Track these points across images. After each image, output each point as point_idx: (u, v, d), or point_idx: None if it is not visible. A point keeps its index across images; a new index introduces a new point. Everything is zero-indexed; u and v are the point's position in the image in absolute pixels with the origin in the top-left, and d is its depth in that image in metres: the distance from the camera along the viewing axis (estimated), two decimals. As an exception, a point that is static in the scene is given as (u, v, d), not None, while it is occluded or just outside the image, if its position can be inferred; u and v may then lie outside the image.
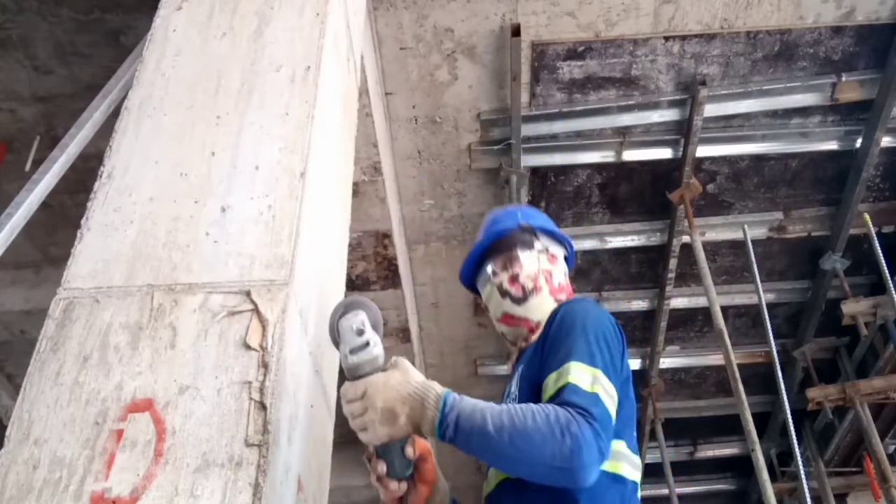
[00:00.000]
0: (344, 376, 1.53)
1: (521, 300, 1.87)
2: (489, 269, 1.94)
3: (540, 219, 2.04)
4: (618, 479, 1.57)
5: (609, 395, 1.50)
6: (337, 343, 1.54)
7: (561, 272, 1.95)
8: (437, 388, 1.48)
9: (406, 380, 1.47)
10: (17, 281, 5.07)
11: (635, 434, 1.69)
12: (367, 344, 1.47)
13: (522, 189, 4.86)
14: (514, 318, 1.88)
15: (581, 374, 1.51)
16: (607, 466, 1.54)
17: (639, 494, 1.64)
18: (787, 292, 5.82)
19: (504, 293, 1.89)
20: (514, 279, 1.89)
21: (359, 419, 1.45)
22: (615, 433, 1.56)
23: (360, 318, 1.51)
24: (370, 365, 1.47)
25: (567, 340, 1.60)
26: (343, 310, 1.56)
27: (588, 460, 1.38)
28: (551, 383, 1.53)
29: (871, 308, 5.32)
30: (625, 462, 1.60)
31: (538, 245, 1.95)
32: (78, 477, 1.46)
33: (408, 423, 1.45)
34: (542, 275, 1.90)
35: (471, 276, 2.04)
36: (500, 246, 1.95)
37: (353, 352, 1.48)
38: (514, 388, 1.79)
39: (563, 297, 1.91)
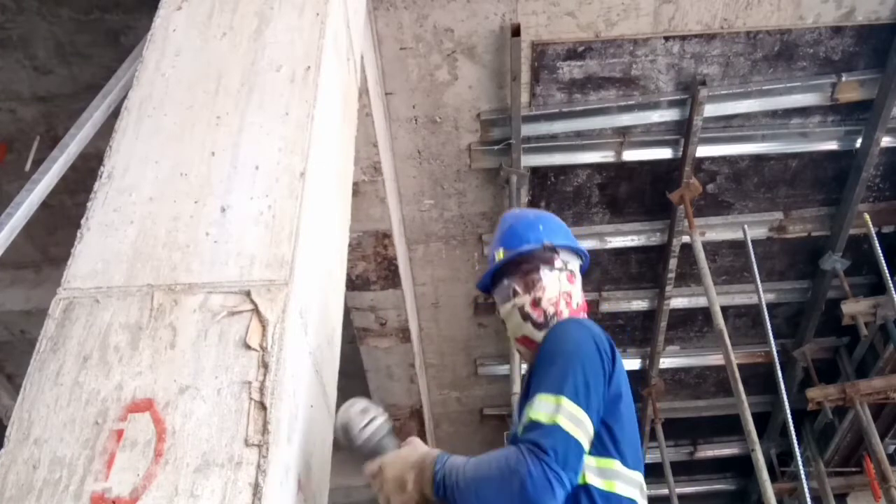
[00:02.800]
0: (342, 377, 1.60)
1: (542, 325, 1.88)
2: (511, 286, 1.94)
3: (560, 233, 2.02)
4: (610, 498, 1.61)
5: (574, 422, 1.54)
6: (346, 436, 1.71)
7: (579, 290, 1.96)
8: (435, 452, 1.62)
9: (412, 451, 1.64)
10: (17, 281, 5.07)
11: (637, 448, 1.72)
12: (372, 419, 1.69)
13: (522, 189, 4.86)
14: (533, 342, 1.89)
15: (543, 407, 1.57)
16: (600, 485, 1.60)
17: None
18: (787, 292, 5.82)
19: (525, 316, 1.90)
20: (537, 303, 1.89)
21: (379, 492, 1.64)
22: (606, 452, 1.63)
23: (359, 400, 1.72)
24: (379, 433, 1.69)
25: (541, 370, 1.66)
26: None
27: (537, 495, 1.45)
28: (523, 418, 1.61)
29: (871, 308, 5.32)
30: (618, 480, 1.63)
31: (559, 263, 1.94)
32: (78, 477, 1.46)
33: (415, 489, 1.60)
34: (563, 298, 1.90)
35: (488, 283, 2.04)
36: (521, 261, 1.94)
37: (361, 429, 1.67)
38: (516, 416, 1.86)
39: (580, 316, 1.92)
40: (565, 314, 1.88)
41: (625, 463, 1.65)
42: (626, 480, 1.64)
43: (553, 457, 1.48)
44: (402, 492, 1.60)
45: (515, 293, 1.92)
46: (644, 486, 1.71)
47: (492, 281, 2.01)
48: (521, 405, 1.71)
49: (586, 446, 1.56)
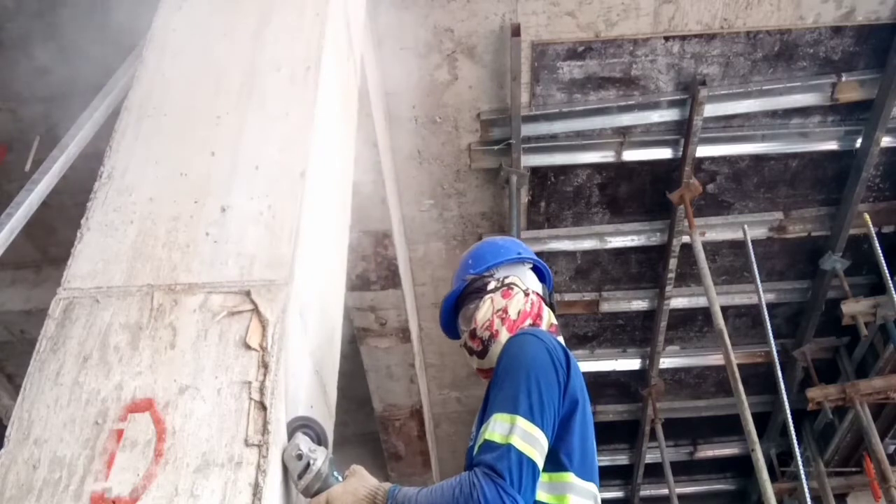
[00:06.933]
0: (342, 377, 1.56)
1: (482, 353, 1.92)
2: (459, 328, 2.03)
3: (489, 254, 2.06)
4: None
5: (528, 441, 1.57)
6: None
7: (520, 299, 1.95)
8: (385, 486, 1.61)
9: (361, 484, 1.60)
10: (17, 281, 5.07)
11: (591, 458, 1.74)
12: (308, 465, 1.58)
13: (522, 189, 4.86)
14: (485, 371, 1.93)
15: (498, 427, 1.59)
16: (552, 499, 1.62)
17: None
18: (787, 292, 5.81)
19: (470, 351, 1.96)
20: (473, 335, 1.95)
21: None
22: (561, 466, 1.64)
23: (295, 444, 1.59)
24: (318, 481, 1.57)
25: (497, 385, 1.69)
26: (288, 435, 1.63)
27: None
28: (479, 438, 1.63)
29: (871, 308, 5.31)
30: (572, 493, 1.65)
31: (491, 284, 1.98)
32: (78, 477, 1.46)
33: None
34: (497, 317, 1.92)
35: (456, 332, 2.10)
36: (459, 304, 2.04)
37: (299, 477, 1.57)
38: (474, 430, 1.85)
39: (527, 324, 1.93)
40: (503, 332, 1.90)
41: (578, 474, 1.67)
42: (579, 492, 1.66)
43: (508, 480, 1.51)
44: None
45: (462, 332, 2.01)
46: (598, 496, 1.73)
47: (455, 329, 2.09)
48: (480, 419, 1.74)
49: (541, 464, 1.58)
